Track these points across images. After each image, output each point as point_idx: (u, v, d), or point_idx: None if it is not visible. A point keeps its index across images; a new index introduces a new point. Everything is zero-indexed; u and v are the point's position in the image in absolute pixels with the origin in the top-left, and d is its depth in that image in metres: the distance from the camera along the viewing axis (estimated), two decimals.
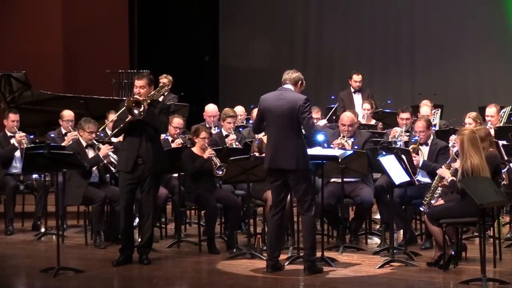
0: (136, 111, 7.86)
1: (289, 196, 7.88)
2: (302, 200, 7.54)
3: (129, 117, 7.90)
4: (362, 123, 11.03)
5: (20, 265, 8.36)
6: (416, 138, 8.91)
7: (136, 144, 7.98)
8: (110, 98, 13.00)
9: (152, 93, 8.08)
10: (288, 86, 7.63)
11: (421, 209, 8.15)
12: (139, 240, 8.39)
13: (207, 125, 10.35)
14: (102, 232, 9.04)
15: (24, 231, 10.10)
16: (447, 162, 8.03)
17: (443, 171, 7.83)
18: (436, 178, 8.01)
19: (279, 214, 7.63)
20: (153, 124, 7.97)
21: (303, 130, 7.60)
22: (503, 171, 8.18)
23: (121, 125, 7.98)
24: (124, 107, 7.92)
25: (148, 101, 7.93)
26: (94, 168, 9.11)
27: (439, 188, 7.95)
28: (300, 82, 7.69)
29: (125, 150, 8.09)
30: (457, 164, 7.75)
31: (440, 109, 11.74)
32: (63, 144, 9.91)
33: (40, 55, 15.29)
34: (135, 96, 7.98)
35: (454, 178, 7.61)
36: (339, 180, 8.55)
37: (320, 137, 8.63)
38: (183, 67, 16.65)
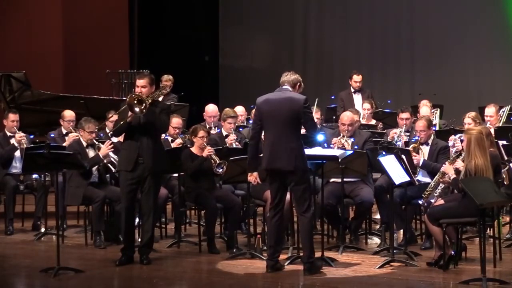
0: (137, 109, 7.80)
1: (288, 196, 7.88)
2: (300, 201, 7.52)
3: (129, 115, 7.86)
4: (362, 123, 11.03)
5: (20, 265, 8.36)
6: (417, 138, 8.91)
7: (137, 144, 7.96)
8: (110, 98, 12.99)
9: (153, 93, 8.06)
10: (287, 87, 7.63)
11: (419, 202, 8.15)
12: (139, 240, 8.39)
13: (207, 125, 10.35)
14: (102, 232, 9.03)
15: (24, 231, 10.10)
16: (451, 159, 8.00)
17: (447, 168, 7.81)
18: (438, 173, 8.00)
19: (278, 215, 7.62)
20: (154, 124, 7.94)
21: (303, 130, 7.59)
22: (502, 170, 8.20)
23: (122, 124, 7.97)
24: (125, 106, 7.88)
25: (150, 100, 7.89)
26: (94, 168, 9.12)
27: (440, 186, 7.94)
28: (298, 84, 7.68)
29: (126, 150, 8.07)
30: (457, 164, 7.74)
31: (439, 109, 11.75)
32: (64, 144, 9.91)
33: (40, 55, 15.29)
34: (137, 93, 7.92)
35: (456, 176, 7.61)
36: (339, 180, 8.55)
37: (320, 137, 8.63)
38: (183, 67, 16.64)
